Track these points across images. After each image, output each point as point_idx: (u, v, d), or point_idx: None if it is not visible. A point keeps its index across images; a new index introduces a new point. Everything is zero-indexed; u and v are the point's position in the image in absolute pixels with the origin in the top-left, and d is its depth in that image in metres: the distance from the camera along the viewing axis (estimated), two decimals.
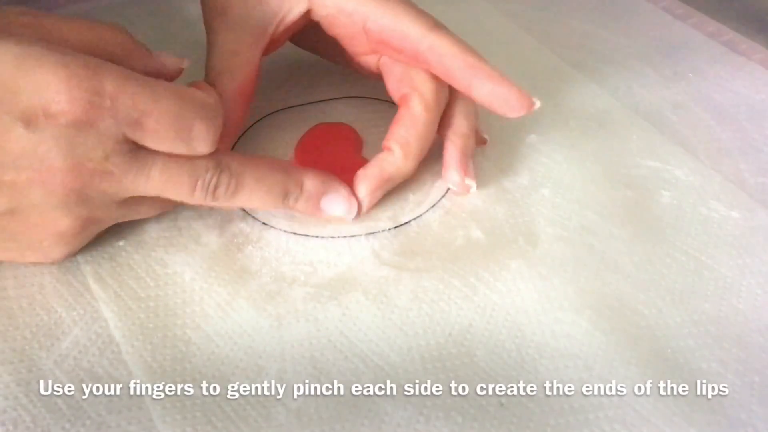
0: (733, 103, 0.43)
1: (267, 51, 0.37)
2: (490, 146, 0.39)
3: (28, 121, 0.26)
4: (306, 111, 0.41)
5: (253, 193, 0.31)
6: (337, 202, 0.33)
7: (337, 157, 0.36)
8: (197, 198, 0.30)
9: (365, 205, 0.34)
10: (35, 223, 0.28)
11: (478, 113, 0.37)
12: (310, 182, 0.32)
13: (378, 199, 0.34)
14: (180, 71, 0.32)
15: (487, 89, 0.33)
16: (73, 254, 0.31)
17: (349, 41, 0.36)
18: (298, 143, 0.37)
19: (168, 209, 0.33)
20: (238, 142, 0.38)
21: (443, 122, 0.35)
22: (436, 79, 0.35)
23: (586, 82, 0.44)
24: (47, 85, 0.25)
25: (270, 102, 0.41)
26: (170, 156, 0.28)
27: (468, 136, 0.35)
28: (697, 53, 0.47)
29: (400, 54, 0.35)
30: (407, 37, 0.34)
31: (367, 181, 0.34)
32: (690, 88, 0.44)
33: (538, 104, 0.33)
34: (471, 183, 0.35)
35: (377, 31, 0.35)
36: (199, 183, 0.29)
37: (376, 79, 0.38)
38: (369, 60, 0.37)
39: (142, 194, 0.29)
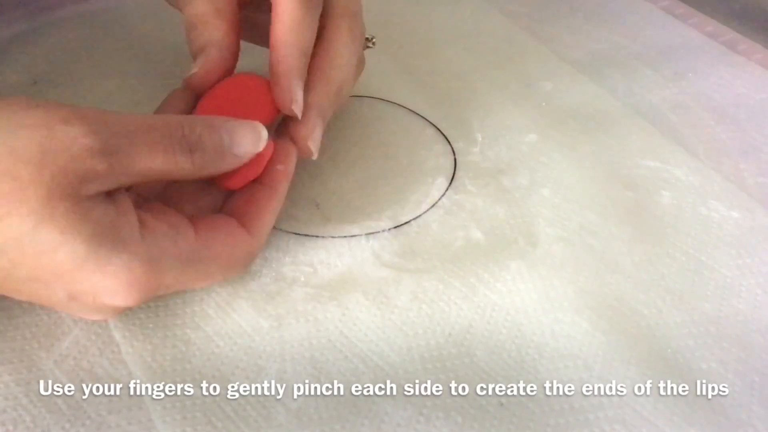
0: (733, 103, 0.43)
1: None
2: (490, 146, 0.39)
3: (74, 297, 0.25)
4: None
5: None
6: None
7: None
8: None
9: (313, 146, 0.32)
10: None
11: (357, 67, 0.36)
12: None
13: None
14: (260, 150, 0.29)
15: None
16: None
17: None
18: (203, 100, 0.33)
19: None
20: None
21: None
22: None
23: (586, 82, 0.44)
24: (106, 288, 0.25)
25: None
26: None
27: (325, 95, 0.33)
28: (697, 53, 0.47)
29: None
30: None
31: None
32: (690, 88, 0.44)
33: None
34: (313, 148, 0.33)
35: None
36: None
37: None
38: None
39: None
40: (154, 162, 0.26)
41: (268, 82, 0.32)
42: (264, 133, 0.29)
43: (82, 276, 0.24)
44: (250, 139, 0.29)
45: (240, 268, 0.29)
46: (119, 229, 0.25)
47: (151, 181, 0.27)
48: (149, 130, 0.26)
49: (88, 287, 0.25)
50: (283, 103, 0.32)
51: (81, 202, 0.24)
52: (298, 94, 0.32)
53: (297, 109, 0.32)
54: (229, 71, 0.33)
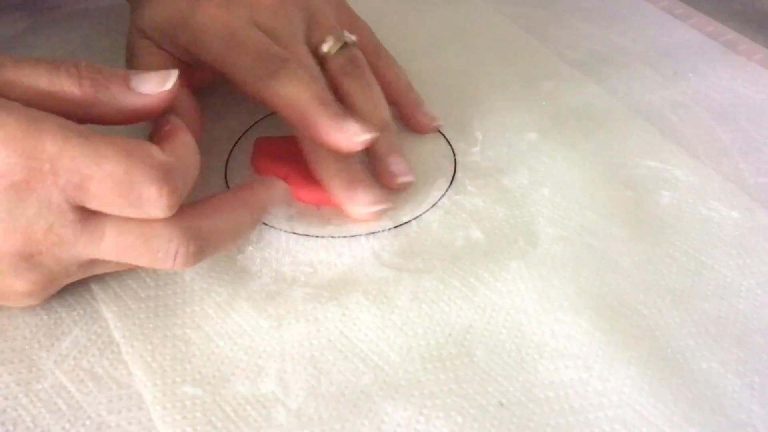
0: (733, 103, 0.43)
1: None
2: (490, 146, 0.39)
3: None
4: None
5: (219, 245, 0.29)
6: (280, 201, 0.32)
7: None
8: (160, 265, 0.27)
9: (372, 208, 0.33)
10: None
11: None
12: (264, 201, 0.31)
13: (364, 195, 0.33)
14: (170, 93, 0.28)
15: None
16: (45, 301, 0.29)
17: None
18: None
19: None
20: (238, 142, 0.38)
21: None
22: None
23: (586, 82, 0.44)
24: None
25: None
26: (126, 221, 0.26)
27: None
28: (697, 53, 0.47)
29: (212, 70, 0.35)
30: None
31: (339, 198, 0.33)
32: (690, 88, 0.44)
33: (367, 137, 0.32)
34: (406, 179, 0.35)
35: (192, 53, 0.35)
36: (161, 254, 0.27)
37: None
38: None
39: (100, 258, 0.27)
40: (39, 78, 0.26)
41: None
42: (173, 76, 0.28)
43: None
44: (157, 80, 0.28)
45: (148, 171, 0.25)
46: None
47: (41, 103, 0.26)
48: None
49: None
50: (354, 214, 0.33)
51: None
52: (361, 198, 0.33)
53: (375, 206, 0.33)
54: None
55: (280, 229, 0.34)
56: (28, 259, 0.26)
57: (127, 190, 0.25)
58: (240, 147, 0.38)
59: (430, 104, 0.40)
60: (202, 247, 0.27)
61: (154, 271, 0.32)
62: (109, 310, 0.30)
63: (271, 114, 0.40)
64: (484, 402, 0.27)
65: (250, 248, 0.33)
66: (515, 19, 0.50)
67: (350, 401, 0.27)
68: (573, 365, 0.28)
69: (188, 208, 0.28)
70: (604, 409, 0.27)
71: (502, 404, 0.27)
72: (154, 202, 0.26)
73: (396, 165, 0.35)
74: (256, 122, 0.40)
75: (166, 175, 0.26)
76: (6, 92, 0.25)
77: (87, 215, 0.26)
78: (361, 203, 0.33)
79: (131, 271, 0.31)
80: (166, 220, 0.26)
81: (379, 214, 0.33)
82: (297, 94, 0.32)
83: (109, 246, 0.26)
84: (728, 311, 0.31)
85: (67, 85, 0.26)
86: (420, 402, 0.27)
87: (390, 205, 0.34)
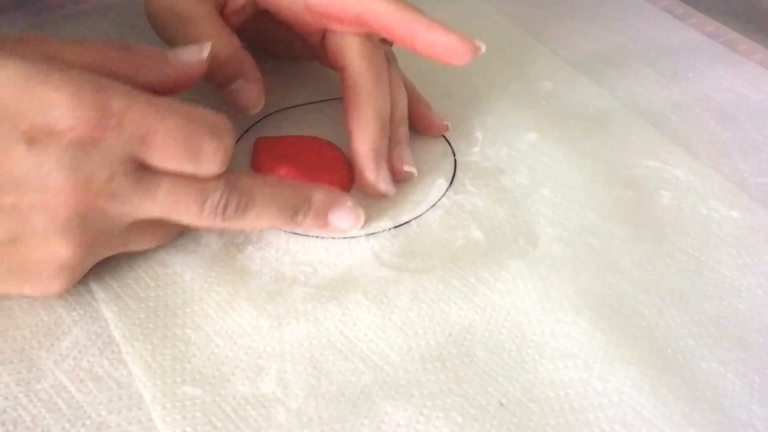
0: (733, 103, 0.43)
1: None
2: (490, 146, 0.39)
3: (32, 140, 0.25)
4: (306, 111, 0.41)
5: (263, 211, 0.30)
6: (344, 215, 0.33)
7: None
8: (206, 218, 0.29)
9: (385, 187, 0.34)
10: (36, 252, 0.27)
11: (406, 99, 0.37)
12: (318, 197, 0.32)
13: (388, 174, 0.35)
14: (203, 63, 0.31)
15: (429, 40, 0.33)
16: (70, 288, 0.29)
17: (296, 23, 0.37)
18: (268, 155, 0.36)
19: (168, 240, 0.32)
20: (238, 142, 0.38)
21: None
22: (366, 42, 0.35)
23: (586, 82, 0.44)
24: (52, 102, 0.25)
25: (270, 102, 0.41)
26: (178, 176, 0.28)
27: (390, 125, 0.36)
28: (697, 53, 0.47)
29: (343, 23, 0.35)
30: (344, 3, 0.34)
31: (366, 169, 0.34)
32: (690, 88, 0.44)
33: (483, 48, 0.33)
34: (411, 170, 0.36)
35: (316, 4, 0.35)
36: (209, 203, 0.28)
37: (327, 61, 0.38)
38: (316, 39, 0.37)
39: (148, 217, 0.28)
40: (86, 50, 0.28)
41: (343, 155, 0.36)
42: (205, 49, 0.31)
43: (26, 95, 0.25)
44: (193, 51, 0.31)
45: (207, 128, 0.28)
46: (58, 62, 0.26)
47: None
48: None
49: (36, 109, 0.25)
50: (372, 186, 0.34)
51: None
52: (385, 174, 0.35)
53: (387, 187, 0.35)
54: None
55: (281, 230, 0.34)
56: (81, 215, 0.27)
57: (188, 143, 0.27)
58: (240, 147, 0.38)
59: (431, 104, 0.40)
60: (247, 204, 0.30)
61: (154, 270, 0.32)
62: (109, 310, 0.30)
63: (271, 114, 0.40)
64: (484, 402, 0.27)
65: (250, 248, 0.33)
66: (515, 19, 0.50)
67: (350, 401, 0.27)
68: (573, 365, 0.28)
69: (238, 172, 0.30)
70: (604, 409, 0.27)
71: (502, 404, 0.27)
72: (212, 155, 0.28)
73: (407, 153, 0.36)
74: (256, 122, 0.40)
75: (221, 132, 0.28)
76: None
77: (144, 169, 0.27)
78: (382, 180, 0.34)
79: (131, 270, 0.31)
80: (217, 175, 0.29)
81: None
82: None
83: (162, 198, 0.28)
84: (728, 311, 0.31)
85: (113, 55, 0.28)
86: (420, 402, 0.27)
87: (394, 191, 0.35)
